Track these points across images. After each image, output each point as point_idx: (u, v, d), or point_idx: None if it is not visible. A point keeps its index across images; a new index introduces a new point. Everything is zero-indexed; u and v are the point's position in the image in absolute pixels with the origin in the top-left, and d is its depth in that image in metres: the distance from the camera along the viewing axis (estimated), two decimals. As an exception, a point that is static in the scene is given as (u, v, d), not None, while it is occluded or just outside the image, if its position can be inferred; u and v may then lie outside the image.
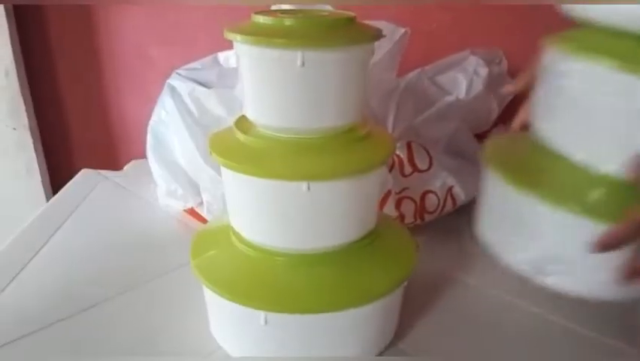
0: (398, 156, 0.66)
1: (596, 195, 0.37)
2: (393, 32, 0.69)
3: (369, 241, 0.45)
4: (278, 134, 0.42)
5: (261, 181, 0.40)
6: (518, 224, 0.40)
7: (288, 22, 0.39)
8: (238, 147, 0.42)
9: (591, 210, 0.36)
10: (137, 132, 0.78)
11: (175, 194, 0.67)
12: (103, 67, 0.90)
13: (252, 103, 0.42)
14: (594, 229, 0.35)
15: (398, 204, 0.65)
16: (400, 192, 0.66)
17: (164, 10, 0.87)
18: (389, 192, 0.64)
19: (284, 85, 0.40)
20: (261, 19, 0.40)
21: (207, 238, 0.49)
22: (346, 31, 0.40)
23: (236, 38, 0.39)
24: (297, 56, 0.38)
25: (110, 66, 0.90)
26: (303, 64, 0.38)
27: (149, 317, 0.51)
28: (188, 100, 0.69)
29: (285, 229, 0.42)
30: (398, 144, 0.66)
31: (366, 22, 0.71)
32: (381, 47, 0.70)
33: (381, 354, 0.47)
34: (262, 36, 0.38)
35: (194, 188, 0.67)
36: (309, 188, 0.39)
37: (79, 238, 0.66)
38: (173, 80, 0.70)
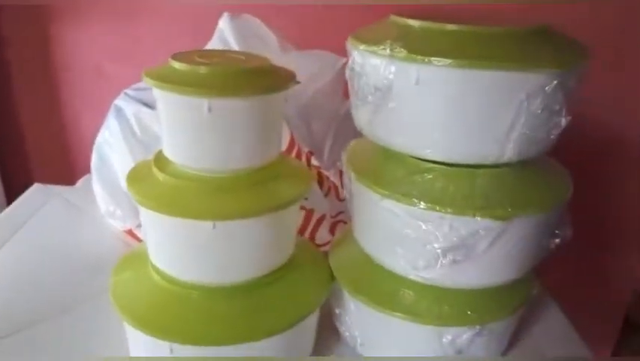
0: (333, 183, 0.68)
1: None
2: (335, 62, 0.72)
3: (282, 274, 0.48)
4: (192, 172, 0.44)
5: (170, 219, 0.42)
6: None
7: (200, 69, 0.42)
8: (152, 184, 0.44)
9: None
10: (92, 146, 0.79)
11: (114, 215, 0.69)
12: (59, 81, 0.92)
13: (166, 141, 0.45)
14: None
15: (333, 228, 0.68)
16: (335, 216, 0.69)
17: (122, 26, 0.89)
18: (323, 217, 0.67)
19: (193, 128, 0.42)
20: (176, 65, 0.43)
21: (129, 263, 0.51)
22: (255, 81, 0.42)
23: (151, 83, 0.42)
24: (203, 103, 0.40)
25: (66, 81, 0.92)
26: (210, 110, 0.40)
27: (73, 342, 0.53)
28: (133, 121, 0.70)
29: (195, 263, 0.44)
30: (332, 170, 0.68)
31: (306, 52, 0.74)
32: (324, 76, 0.72)
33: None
34: (174, 83, 0.41)
35: (134, 210, 0.69)
36: (214, 226, 0.42)
37: (22, 257, 0.68)
38: (120, 101, 0.72)
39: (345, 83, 0.76)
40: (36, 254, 0.68)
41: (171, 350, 0.43)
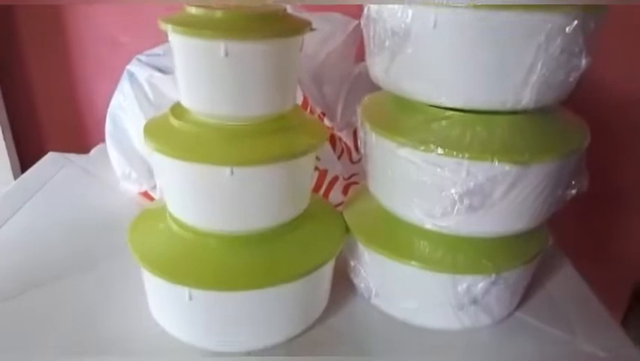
0: (345, 144, 0.68)
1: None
2: (346, 24, 0.71)
3: (298, 224, 0.48)
4: (208, 120, 0.45)
5: (187, 165, 0.43)
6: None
7: (216, 14, 0.41)
8: (169, 132, 0.44)
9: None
10: (105, 116, 0.80)
11: (130, 178, 0.70)
12: (72, 51, 0.92)
13: (183, 90, 0.45)
14: None
15: (346, 190, 0.68)
16: (348, 178, 0.69)
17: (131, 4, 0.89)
18: (336, 178, 0.67)
19: (210, 74, 0.42)
20: (192, 10, 0.43)
21: (147, 217, 0.52)
22: (271, 25, 0.42)
23: (167, 28, 0.42)
24: (220, 46, 0.40)
25: (79, 50, 0.92)
26: (226, 54, 0.40)
27: (94, 297, 0.54)
28: (145, 85, 0.70)
29: (213, 211, 0.45)
30: (344, 131, 0.68)
31: (317, 14, 0.73)
32: (336, 37, 0.72)
33: (309, 329, 0.50)
34: (190, 27, 0.41)
35: (150, 172, 0.70)
36: (232, 173, 0.42)
37: (39, 220, 0.69)
38: (132, 66, 0.72)
39: (357, 45, 0.76)
40: (53, 217, 0.69)
41: (190, 297, 0.43)
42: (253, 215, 0.45)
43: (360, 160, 0.69)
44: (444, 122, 0.44)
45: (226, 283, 0.43)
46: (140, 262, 0.45)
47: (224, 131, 0.44)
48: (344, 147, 0.68)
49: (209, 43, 0.40)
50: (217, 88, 0.42)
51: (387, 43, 0.44)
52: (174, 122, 0.45)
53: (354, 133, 0.69)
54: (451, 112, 0.44)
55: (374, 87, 0.73)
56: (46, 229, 0.66)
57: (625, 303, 1.01)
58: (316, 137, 0.47)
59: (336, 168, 0.67)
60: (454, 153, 0.42)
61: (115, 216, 0.69)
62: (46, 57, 0.93)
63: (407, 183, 0.46)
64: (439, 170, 0.43)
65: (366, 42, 0.49)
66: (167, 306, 0.47)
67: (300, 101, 0.65)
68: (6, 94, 0.91)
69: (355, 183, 0.68)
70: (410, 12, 0.41)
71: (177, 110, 0.47)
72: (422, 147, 0.43)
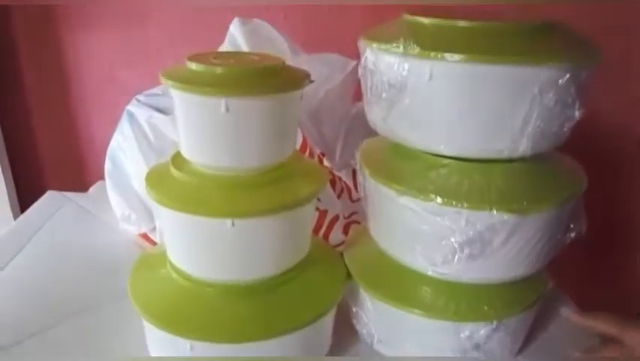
0: (345, 183, 0.69)
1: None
2: (344, 65, 0.73)
3: (299, 271, 0.48)
4: (209, 171, 0.45)
5: (189, 217, 0.43)
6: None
7: (216, 70, 0.42)
8: (170, 183, 0.45)
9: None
10: (105, 153, 0.81)
11: (129, 219, 0.70)
12: (71, 88, 0.93)
13: (184, 142, 0.45)
14: None
15: (346, 229, 0.68)
16: (348, 217, 0.69)
17: (132, 32, 0.90)
18: (337, 218, 0.67)
19: (211, 128, 0.43)
20: (193, 66, 0.43)
21: (147, 263, 0.52)
22: (271, 79, 0.43)
23: (169, 84, 0.42)
24: (221, 102, 0.41)
25: (79, 87, 0.93)
26: (227, 110, 0.41)
27: (94, 343, 0.53)
28: (145, 126, 0.71)
29: (213, 261, 0.45)
30: (344, 171, 0.69)
31: (315, 55, 0.75)
32: (334, 78, 0.73)
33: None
34: (191, 84, 0.41)
35: (149, 213, 0.70)
36: (233, 224, 0.42)
37: (38, 263, 0.68)
38: (132, 107, 0.73)
39: (355, 85, 0.77)
40: (52, 259, 0.69)
41: (191, 348, 0.43)
42: (254, 265, 0.45)
43: (359, 199, 0.70)
44: (442, 171, 0.45)
45: (228, 335, 0.43)
46: (141, 313, 0.45)
47: (225, 182, 0.44)
48: (344, 186, 0.69)
49: (209, 99, 0.41)
50: (218, 141, 0.43)
51: (384, 94, 0.45)
52: (175, 172, 0.45)
53: (354, 172, 0.69)
54: (449, 160, 0.45)
55: (372, 129, 0.75)
56: (45, 273, 0.66)
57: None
58: (317, 183, 0.48)
59: (336, 207, 0.67)
60: (453, 202, 0.42)
61: (115, 258, 0.69)
62: (46, 93, 0.94)
63: (408, 230, 0.46)
64: (438, 219, 0.44)
65: (364, 91, 0.50)
66: (168, 354, 0.47)
67: (299, 142, 0.66)
68: (5, 130, 0.92)
69: (356, 221, 0.69)
70: (406, 65, 0.42)
71: (178, 160, 0.47)
72: (421, 196, 0.44)
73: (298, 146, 0.66)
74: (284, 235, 0.46)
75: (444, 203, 0.43)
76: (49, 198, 0.85)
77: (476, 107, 0.42)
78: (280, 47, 0.69)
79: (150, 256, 0.52)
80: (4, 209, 0.93)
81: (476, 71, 0.41)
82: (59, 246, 0.72)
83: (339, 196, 0.69)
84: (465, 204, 0.42)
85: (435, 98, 0.43)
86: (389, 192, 0.46)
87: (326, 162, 0.67)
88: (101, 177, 0.92)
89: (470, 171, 0.44)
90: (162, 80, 0.43)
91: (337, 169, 0.68)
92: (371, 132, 0.74)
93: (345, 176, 0.69)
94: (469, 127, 0.43)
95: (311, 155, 0.67)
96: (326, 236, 0.66)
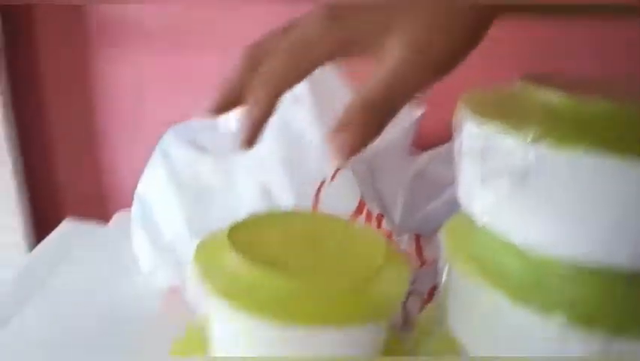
0: (405, 251, 0.61)
1: None
2: (408, 113, 0.65)
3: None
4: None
5: (251, 319, 0.35)
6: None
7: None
8: (228, 272, 0.37)
9: None
10: (128, 182, 0.74)
11: (156, 273, 0.62)
12: (96, 112, 0.86)
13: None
14: None
15: (404, 302, 0.60)
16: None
17: (168, 58, 0.83)
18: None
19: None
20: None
21: (191, 345, 0.44)
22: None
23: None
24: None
25: (104, 112, 0.86)
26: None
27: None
28: (180, 165, 0.64)
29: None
30: (405, 236, 0.61)
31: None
32: (396, 126, 0.65)
33: None
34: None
35: (179, 263, 0.62)
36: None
37: (52, 309, 0.61)
38: (166, 143, 0.65)
39: (414, 137, 0.69)
40: (67, 305, 0.62)
41: None
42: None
43: (420, 267, 0.62)
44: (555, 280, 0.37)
45: None
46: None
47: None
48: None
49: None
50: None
51: (494, 182, 0.37)
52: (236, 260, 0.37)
53: (417, 238, 0.61)
54: (568, 267, 0.37)
55: (437, 189, 0.67)
56: (58, 322, 0.59)
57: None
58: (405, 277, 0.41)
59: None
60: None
61: (138, 311, 0.62)
62: (70, 118, 0.87)
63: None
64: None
65: (458, 170, 0.42)
66: None
67: (356, 199, 0.58)
68: (24, 152, 0.85)
69: (413, 293, 0.61)
70: (533, 154, 0.35)
71: (239, 236, 0.39)
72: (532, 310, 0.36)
73: (355, 203, 0.59)
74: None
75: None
76: (66, 230, 0.78)
77: (615, 209, 0.34)
78: (341, 94, 0.61)
79: (185, 346, 0.44)
80: (18, 232, 0.86)
81: (623, 169, 0.33)
82: (74, 290, 0.65)
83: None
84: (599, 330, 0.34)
85: (564, 194, 0.35)
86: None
87: (385, 224, 0.60)
88: (122, 207, 0.86)
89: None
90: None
91: (397, 234, 0.60)
92: (435, 194, 0.67)
93: (406, 242, 0.60)
94: (603, 231, 0.35)
95: (369, 215, 0.59)
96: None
